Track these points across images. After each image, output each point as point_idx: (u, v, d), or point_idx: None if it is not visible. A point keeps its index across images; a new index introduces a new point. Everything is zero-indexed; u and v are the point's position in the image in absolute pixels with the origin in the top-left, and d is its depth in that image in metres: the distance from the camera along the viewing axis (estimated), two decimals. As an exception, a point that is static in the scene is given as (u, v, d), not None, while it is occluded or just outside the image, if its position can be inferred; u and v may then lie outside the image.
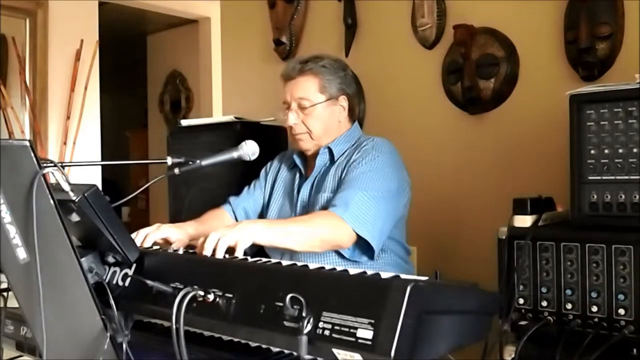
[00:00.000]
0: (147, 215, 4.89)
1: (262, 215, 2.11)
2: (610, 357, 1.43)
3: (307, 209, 1.96)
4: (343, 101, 2.00)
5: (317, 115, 1.95)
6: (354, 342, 0.91)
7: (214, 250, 1.37)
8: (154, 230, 1.66)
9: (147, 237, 1.61)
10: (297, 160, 2.06)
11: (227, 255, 1.37)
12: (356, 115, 2.12)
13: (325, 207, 1.84)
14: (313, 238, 1.64)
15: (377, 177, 1.81)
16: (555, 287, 1.57)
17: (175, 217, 3.12)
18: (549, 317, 1.56)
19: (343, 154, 1.97)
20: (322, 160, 1.99)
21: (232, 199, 2.13)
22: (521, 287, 1.61)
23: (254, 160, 1.83)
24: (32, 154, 1.04)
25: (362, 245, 1.77)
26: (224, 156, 1.77)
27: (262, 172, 2.18)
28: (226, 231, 1.43)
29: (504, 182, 2.53)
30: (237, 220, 2.07)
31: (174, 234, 1.71)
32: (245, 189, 2.17)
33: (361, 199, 1.74)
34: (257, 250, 1.60)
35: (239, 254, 1.41)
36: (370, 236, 1.72)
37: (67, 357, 1.09)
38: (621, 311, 1.47)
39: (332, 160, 1.98)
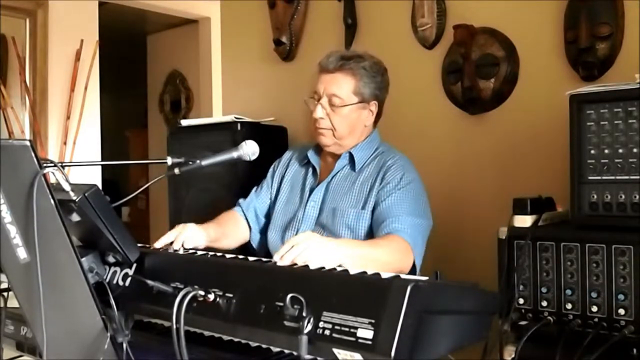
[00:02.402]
0: (147, 215, 4.89)
1: (270, 213, 2.10)
2: (610, 357, 1.43)
3: (321, 213, 1.94)
4: (373, 106, 1.98)
5: (345, 115, 1.92)
6: (354, 342, 0.91)
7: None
8: (180, 231, 1.66)
9: (176, 239, 1.62)
10: (313, 159, 2.04)
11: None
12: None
13: (349, 223, 1.85)
14: (388, 264, 1.57)
15: (420, 204, 1.87)
16: (555, 287, 1.57)
17: (175, 217, 3.12)
18: (549, 317, 1.57)
19: (365, 164, 1.95)
20: (341, 164, 1.98)
21: (241, 201, 2.13)
22: (521, 287, 1.61)
23: (254, 160, 1.83)
24: (33, 154, 1.04)
25: None
26: (224, 156, 1.77)
27: (270, 170, 2.17)
28: (293, 248, 1.35)
29: (504, 182, 2.53)
30: (248, 222, 2.08)
31: (195, 233, 1.72)
32: (253, 190, 2.16)
33: (417, 227, 1.80)
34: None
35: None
36: (418, 264, 1.80)
37: (67, 357, 1.09)
38: (621, 311, 1.47)
39: (353, 166, 1.96)
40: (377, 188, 1.86)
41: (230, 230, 2.01)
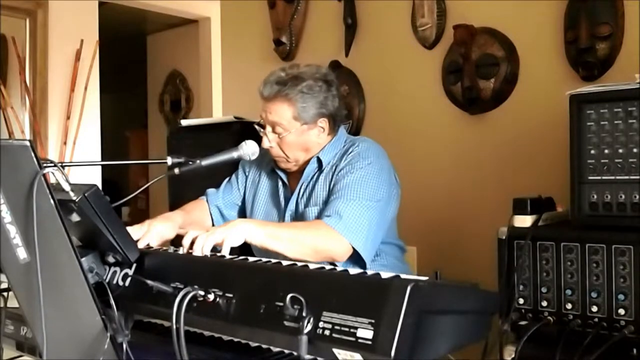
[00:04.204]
0: (147, 215, 4.88)
1: (242, 211, 2.08)
2: (610, 357, 1.43)
3: (298, 220, 1.91)
4: (322, 123, 1.90)
5: (291, 142, 1.87)
6: (354, 342, 0.91)
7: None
8: (147, 233, 1.64)
9: (143, 237, 1.60)
10: (280, 171, 1.99)
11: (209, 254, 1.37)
12: (342, 123, 2.02)
13: (318, 219, 1.80)
14: (306, 246, 1.61)
15: (368, 186, 1.77)
16: (555, 287, 1.57)
17: (175, 217, 3.12)
18: (549, 317, 1.56)
19: (329, 162, 1.91)
20: (310, 169, 1.93)
21: (209, 193, 2.10)
22: (521, 287, 1.61)
23: (253, 160, 1.83)
24: (33, 154, 1.04)
25: (354, 257, 1.72)
26: (224, 156, 1.77)
27: (240, 170, 2.11)
28: (215, 229, 1.44)
29: (504, 182, 2.53)
30: (211, 215, 2.06)
31: (163, 229, 1.70)
32: (224, 184, 2.12)
33: (353, 209, 1.71)
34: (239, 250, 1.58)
35: (225, 251, 1.41)
36: (362, 248, 1.69)
37: (67, 357, 1.09)
38: (621, 311, 1.47)
39: (320, 167, 1.92)
40: (334, 180, 1.84)
41: (197, 217, 2.00)
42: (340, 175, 1.82)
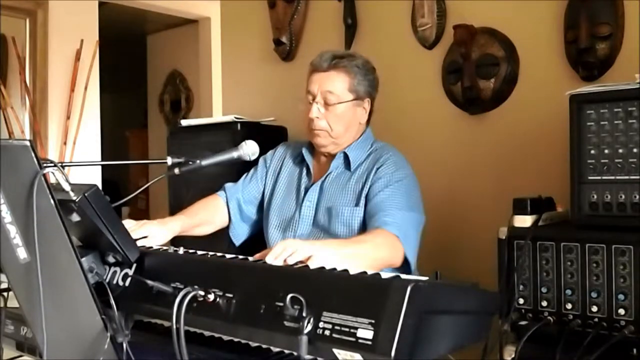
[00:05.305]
0: (147, 215, 4.88)
1: (261, 205, 2.10)
2: (610, 357, 1.43)
3: (317, 213, 1.94)
4: (367, 103, 1.99)
5: (340, 114, 1.93)
6: (354, 342, 0.91)
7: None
8: (138, 227, 1.65)
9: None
10: (307, 157, 2.04)
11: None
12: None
13: (344, 221, 1.86)
14: (376, 259, 1.62)
15: (413, 198, 1.86)
16: (555, 287, 1.57)
17: (175, 217, 3.12)
18: (549, 317, 1.57)
19: (360, 164, 1.95)
20: (336, 164, 1.97)
21: (228, 187, 2.11)
22: (521, 287, 1.61)
23: (253, 160, 1.83)
24: (33, 154, 1.04)
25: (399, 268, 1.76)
26: (224, 156, 1.77)
27: (261, 161, 2.13)
28: (304, 246, 1.37)
29: (504, 182, 2.53)
30: (229, 210, 2.07)
31: (155, 232, 1.70)
32: (242, 178, 2.14)
33: (409, 220, 1.78)
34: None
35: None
36: (412, 257, 1.77)
37: (67, 357, 1.09)
38: (621, 311, 1.47)
39: (347, 165, 1.96)
40: (370, 184, 1.87)
41: (202, 219, 2.00)
42: (381, 183, 1.85)
